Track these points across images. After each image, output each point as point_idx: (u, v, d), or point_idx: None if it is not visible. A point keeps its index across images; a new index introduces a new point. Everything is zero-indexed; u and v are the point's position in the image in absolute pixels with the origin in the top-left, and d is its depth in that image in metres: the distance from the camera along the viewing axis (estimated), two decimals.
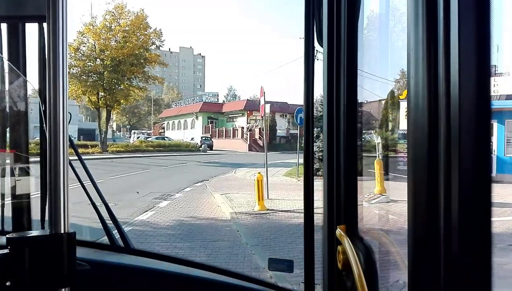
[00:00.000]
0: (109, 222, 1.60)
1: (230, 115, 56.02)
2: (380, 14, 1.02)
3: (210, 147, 42.89)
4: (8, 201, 1.85)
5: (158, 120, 73.87)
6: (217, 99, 65.39)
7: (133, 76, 33.13)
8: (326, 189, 1.09)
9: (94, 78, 32.47)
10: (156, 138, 47.71)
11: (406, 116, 0.59)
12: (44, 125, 1.14)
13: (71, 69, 31.19)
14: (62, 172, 0.82)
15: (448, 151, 0.51)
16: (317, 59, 1.17)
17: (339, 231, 1.01)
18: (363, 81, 1.08)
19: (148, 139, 45.64)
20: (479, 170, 0.50)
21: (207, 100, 62.09)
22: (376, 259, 0.92)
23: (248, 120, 50.46)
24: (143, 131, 62.82)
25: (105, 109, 33.72)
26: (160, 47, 35.04)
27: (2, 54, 1.80)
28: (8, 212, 1.81)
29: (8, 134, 1.92)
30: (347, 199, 1.03)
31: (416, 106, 0.56)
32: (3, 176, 1.92)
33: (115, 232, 1.60)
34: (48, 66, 0.82)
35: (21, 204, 1.79)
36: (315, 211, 1.18)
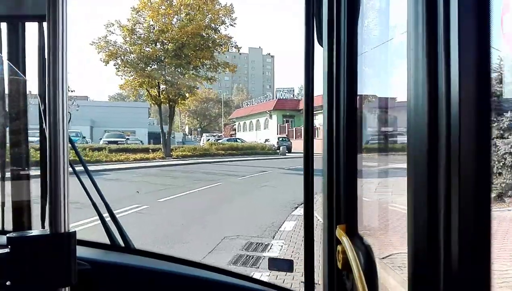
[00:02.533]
0: (109, 222, 1.60)
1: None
2: (380, 14, 1.02)
3: (289, 149, 37.05)
4: (8, 200, 1.85)
5: (229, 122, 71.74)
6: (293, 96, 56.58)
7: (200, 62, 26.12)
8: (326, 189, 1.09)
9: (153, 66, 26.02)
10: (228, 140, 42.85)
11: (406, 116, 0.59)
12: (44, 125, 1.14)
13: (125, 57, 25.27)
14: (62, 172, 0.82)
15: (448, 151, 0.51)
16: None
17: (339, 231, 1.01)
18: (363, 81, 1.08)
19: (219, 141, 40.24)
20: (479, 170, 0.50)
21: (281, 97, 55.12)
22: (376, 259, 0.92)
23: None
24: (214, 133, 59.81)
25: (167, 105, 27.30)
26: (233, 26, 27.02)
27: (2, 54, 1.80)
28: (8, 212, 1.81)
29: (8, 135, 1.92)
30: (347, 198, 1.03)
31: (416, 106, 0.56)
32: (3, 175, 1.92)
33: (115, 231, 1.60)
34: (48, 66, 0.82)
35: (21, 204, 1.79)
36: (315, 211, 1.18)
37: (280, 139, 40.14)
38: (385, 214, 1.08)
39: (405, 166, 0.59)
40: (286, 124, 49.33)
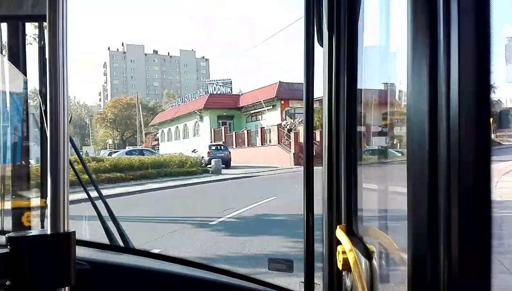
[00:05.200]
0: (108, 222, 1.60)
1: (252, 111, 36.49)
2: (380, 14, 1.02)
3: (226, 163, 25.57)
4: (8, 200, 1.85)
5: (151, 130, 57.78)
6: (230, 90, 42.48)
7: None
8: (326, 189, 1.09)
9: None
10: (128, 152, 27.47)
11: (406, 116, 0.59)
12: (44, 125, 1.14)
13: None
14: (63, 171, 0.82)
15: (448, 151, 0.51)
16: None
17: (339, 231, 1.01)
18: (363, 81, 1.08)
19: (113, 155, 26.58)
20: (479, 170, 0.50)
21: (214, 92, 41.16)
22: (376, 259, 0.92)
23: (284, 116, 32.06)
24: (136, 147, 43.48)
25: None
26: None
27: (2, 54, 1.81)
28: (8, 211, 1.81)
29: (8, 135, 1.92)
30: (347, 198, 1.03)
31: (416, 106, 0.56)
32: (3, 175, 1.92)
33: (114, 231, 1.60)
34: (48, 66, 0.82)
35: (21, 203, 1.79)
36: (315, 211, 1.18)
37: (213, 148, 27.58)
38: (385, 214, 1.08)
39: (405, 165, 0.59)
40: (223, 127, 36.12)
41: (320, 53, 1.14)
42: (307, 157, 1.20)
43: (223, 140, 34.22)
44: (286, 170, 23.55)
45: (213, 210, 10.19)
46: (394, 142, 1.24)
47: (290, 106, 32.61)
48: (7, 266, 0.79)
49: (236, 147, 32.99)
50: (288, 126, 28.97)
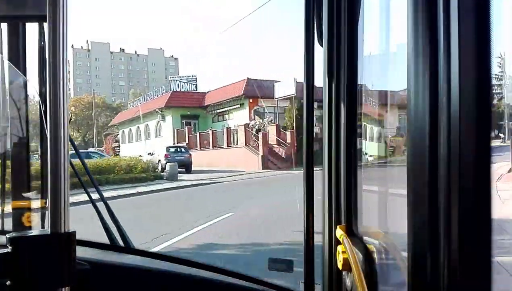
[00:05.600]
0: (109, 222, 1.60)
1: (219, 110, 33.60)
2: (380, 14, 1.02)
3: (187, 166, 23.39)
4: (8, 200, 1.85)
5: (111, 131, 52.92)
6: (195, 88, 38.68)
7: None
8: (326, 189, 1.09)
9: None
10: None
11: (407, 116, 0.59)
12: (44, 125, 1.14)
13: None
14: (63, 171, 0.82)
15: (448, 151, 0.51)
16: None
17: (339, 231, 1.01)
18: (363, 81, 1.08)
19: None
20: (479, 170, 0.50)
21: (177, 89, 37.50)
22: (376, 259, 0.92)
23: (253, 115, 29.64)
24: (101, 148, 42.37)
25: None
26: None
27: (2, 54, 1.81)
28: (8, 211, 1.81)
29: (8, 134, 1.92)
30: (347, 198, 1.03)
31: (416, 106, 0.56)
32: (4, 175, 1.92)
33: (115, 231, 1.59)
34: (48, 66, 0.82)
35: (21, 203, 1.79)
36: (315, 211, 1.18)
37: (172, 150, 24.72)
38: (385, 214, 1.08)
39: (405, 165, 0.59)
40: (186, 128, 32.94)
41: (320, 53, 1.14)
42: (307, 157, 1.20)
43: (187, 141, 30.89)
44: (253, 175, 20.89)
45: (139, 237, 6.27)
46: (394, 141, 1.24)
47: (259, 105, 29.96)
48: (7, 266, 0.79)
49: (200, 148, 30.07)
50: (256, 127, 26.60)
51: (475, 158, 0.50)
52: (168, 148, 25.28)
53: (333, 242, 1.05)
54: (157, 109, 35.41)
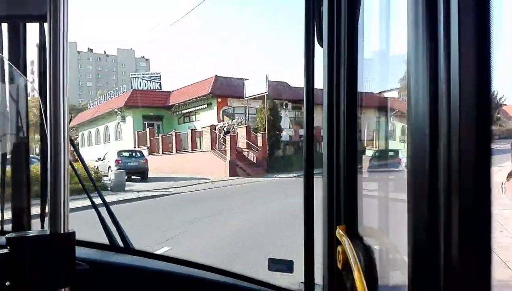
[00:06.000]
0: (109, 222, 1.60)
1: (185, 110, 30.55)
2: (380, 14, 1.02)
3: (143, 174, 20.85)
4: (8, 200, 1.85)
5: (70, 133, 47.11)
6: (160, 86, 35.52)
7: None
8: (326, 189, 1.09)
9: None
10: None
11: (406, 116, 0.59)
12: (44, 125, 1.14)
13: None
14: (63, 172, 0.82)
15: (449, 151, 0.51)
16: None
17: (339, 231, 1.01)
18: (363, 81, 1.08)
19: None
20: (479, 170, 0.50)
21: (140, 87, 33.99)
22: (376, 259, 0.92)
23: (222, 116, 27.26)
24: None
25: None
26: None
27: (2, 54, 1.81)
28: (8, 212, 1.81)
29: (8, 135, 1.92)
30: (347, 199, 1.03)
31: (416, 106, 0.56)
32: (3, 175, 1.92)
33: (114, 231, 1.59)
34: (48, 66, 0.82)
35: (21, 204, 1.79)
36: (315, 211, 1.18)
37: (125, 155, 21.53)
38: (385, 214, 1.08)
39: (405, 165, 0.59)
40: (148, 130, 29.48)
41: (320, 53, 1.14)
42: (307, 157, 1.20)
43: (148, 145, 28.02)
44: (219, 183, 18.39)
45: None
46: (394, 142, 1.24)
47: (228, 105, 27.91)
48: (7, 266, 0.79)
49: (163, 152, 27.00)
50: (225, 129, 24.08)
51: (475, 158, 0.50)
52: (120, 153, 21.68)
53: (333, 242, 1.05)
54: (116, 109, 31.80)
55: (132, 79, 36.18)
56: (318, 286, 1.18)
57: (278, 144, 24.76)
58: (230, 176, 21.43)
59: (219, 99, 27.68)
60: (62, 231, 0.82)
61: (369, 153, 1.35)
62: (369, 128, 1.44)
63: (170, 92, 33.37)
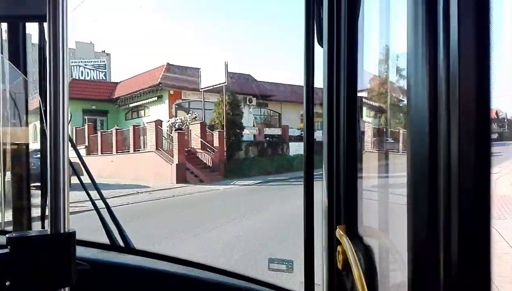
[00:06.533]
0: (109, 222, 1.60)
1: (132, 104, 25.86)
2: (380, 14, 1.02)
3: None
4: (8, 200, 1.85)
5: None
6: (105, 76, 30.41)
7: None
8: (326, 189, 1.09)
9: None
10: None
11: (406, 116, 0.59)
12: (44, 125, 1.14)
13: None
14: (63, 171, 0.82)
15: (448, 151, 0.51)
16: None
17: (339, 231, 1.01)
18: (363, 81, 1.08)
19: None
20: (479, 170, 0.50)
21: (81, 76, 28.85)
22: (376, 259, 0.92)
23: (174, 110, 23.26)
24: None
25: None
26: None
27: (2, 54, 1.81)
28: (8, 211, 1.81)
29: (8, 134, 1.92)
30: (347, 199, 1.03)
31: (416, 106, 0.56)
32: (3, 175, 1.92)
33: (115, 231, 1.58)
34: (48, 66, 0.82)
35: (21, 203, 1.79)
36: (315, 211, 1.18)
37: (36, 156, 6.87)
38: (385, 214, 1.08)
39: (405, 165, 0.59)
40: (87, 126, 24.59)
41: (320, 54, 1.14)
42: (307, 157, 1.20)
43: (86, 143, 23.42)
44: (159, 194, 13.89)
45: None
46: (394, 142, 1.24)
47: (183, 98, 23.36)
48: (7, 266, 0.79)
49: (102, 153, 22.51)
50: (176, 125, 20.43)
51: (475, 158, 0.50)
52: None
53: (333, 242, 1.05)
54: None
55: (72, 67, 31.06)
56: (318, 286, 1.18)
57: (239, 144, 21.02)
58: (177, 182, 17.33)
59: (172, 91, 23.12)
60: (62, 231, 0.82)
61: (369, 152, 1.35)
62: (369, 128, 1.44)
63: (117, 83, 28.34)
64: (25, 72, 1.84)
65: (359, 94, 1.06)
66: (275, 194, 14.34)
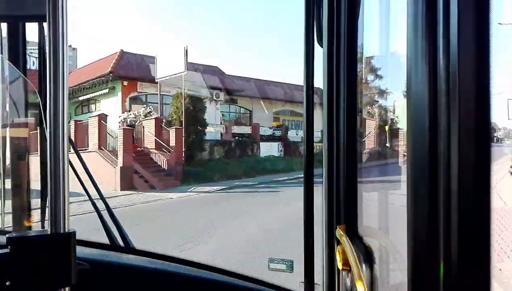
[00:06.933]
0: (109, 222, 1.60)
1: (82, 96, 22.00)
2: (380, 14, 1.02)
3: None
4: (8, 200, 1.85)
5: None
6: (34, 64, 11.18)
7: None
8: (326, 189, 1.09)
9: None
10: None
11: (406, 116, 0.59)
12: (44, 125, 1.14)
13: None
14: (62, 171, 0.82)
15: (448, 151, 0.51)
16: None
17: (339, 231, 1.01)
18: (363, 81, 1.08)
19: None
20: (479, 170, 0.50)
21: (27, 67, 8.60)
22: (376, 259, 0.92)
23: (128, 104, 20.06)
24: None
25: None
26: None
27: (2, 54, 1.81)
28: (8, 211, 1.81)
29: (8, 134, 1.92)
30: (347, 199, 1.03)
31: (416, 106, 0.56)
32: (4, 175, 1.92)
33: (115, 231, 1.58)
34: (48, 66, 0.82)
35: (21, 203, 1.79)
36: (315, 211, 1.18)
37: None
38: (385, 214, 1.08)
39: (405, 165, 0.59)
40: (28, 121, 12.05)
41: (320, 54, 1.14)
42: (307, 157, 1.20)
43: None
44: (89, 205, 6.34)
45: None
46: (394, 142, 1.24)
47: (138, 90, 20.35)
48: (7, 266, 0.79)
49: None
50: (128, 121, 17.83)
51: (475, 158, 0.50)
52: None
53: (333, 242, 1.05)
54: None
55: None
56: (318, 286, 1.18)
57: (200, 144, 18.20)
58: (122, 189, 14.40)
59: (125, 83, 19.76)
60: (62, 231, 0.82)
61: (369, 153, 1.36)
62: (369, 128, 1.44)
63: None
64: (25, 72, 1.84)
65: (359, 94, 1.07)
66: (241, 203, 11.35)
